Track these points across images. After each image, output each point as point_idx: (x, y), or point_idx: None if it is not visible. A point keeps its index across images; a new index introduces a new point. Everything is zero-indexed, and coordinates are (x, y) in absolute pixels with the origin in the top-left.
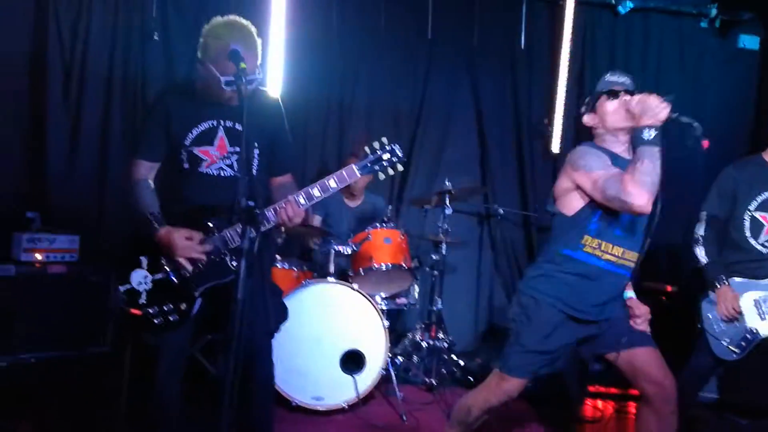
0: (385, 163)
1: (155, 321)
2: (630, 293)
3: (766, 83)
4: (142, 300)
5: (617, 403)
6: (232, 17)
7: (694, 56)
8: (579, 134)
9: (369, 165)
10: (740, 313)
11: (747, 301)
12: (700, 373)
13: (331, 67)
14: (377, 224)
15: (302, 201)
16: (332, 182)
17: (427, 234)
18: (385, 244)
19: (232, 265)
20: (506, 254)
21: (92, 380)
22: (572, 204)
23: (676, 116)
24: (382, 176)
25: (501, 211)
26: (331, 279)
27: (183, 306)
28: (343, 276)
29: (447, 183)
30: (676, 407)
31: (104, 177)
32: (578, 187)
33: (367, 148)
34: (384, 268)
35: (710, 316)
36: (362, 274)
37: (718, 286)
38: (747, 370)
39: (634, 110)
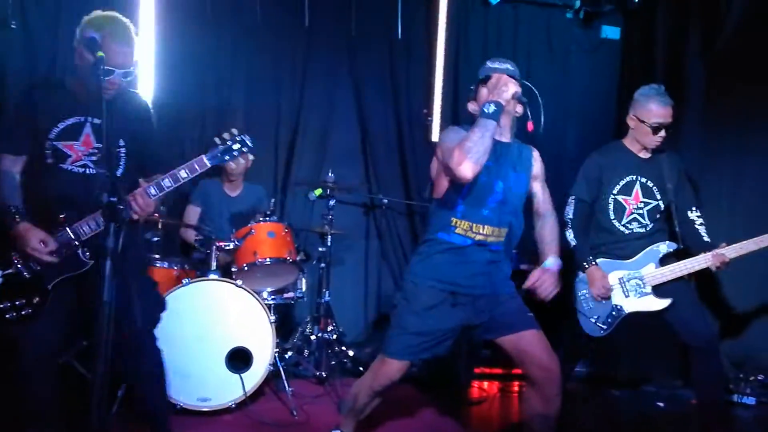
0: (235, 153)
1: (7, 316)
2: (549, 261)
3: (627, 71)
4: None
5: (502, 383)
6: (112, 12)
7: (562, 46)
8: (458, 122)
9: (219, 155)
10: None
11: (612, 280)
12: (575, 350)
13: (207, 61)
14: (260, 218)
15: (153, 191)
16: (183, 173)
17: (313, 226)
18: (268, 237)
19: (84, 257)
20: (392, 243)
21: None
22: (441, 187)
23: (518, 96)
24: (232, 165)
25: (385, 200)
26: (213, 276)
27: (36, 299)
28: (226, 272)
29: (330, 175)
30: (561, 389)
31: None
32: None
33: (217, 139)
34: (268, 262)
35: (580, 296)
36: (246, 269)
37: (587, 266)
38: (617, 345)
39: (488, 89)
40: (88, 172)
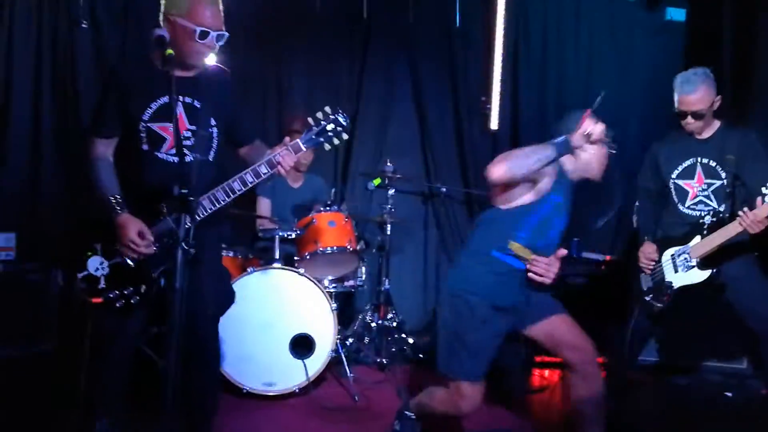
0: (330, 133)
1: (117, 305)
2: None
3: (693, 53)
4: (101, 285)
5: (563, 371)
6: None
7: (624, 30)
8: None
9: (314, 137)
10: (662, 268)
11: (666, 257)
12: (639, 336)
13: (267, 52)
14: (321, 208)
15: (288, 150)
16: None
17: (372, 215)
18: (329, 227)
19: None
20: (451, 232)
21: (41, 378)
22: (510, 196)
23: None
24: (327, 147)
25: (443, 189)
26: (276, 265)
27: (143, 288)
28: (289, 261)
29: (389, 165)
30: (598, 366)
31: (37, 170)
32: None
33: (311, 120)
34: (329, 251)
35: (641, 277)
36: (308, 258)
37: (641, 243)
38: (684, 332)
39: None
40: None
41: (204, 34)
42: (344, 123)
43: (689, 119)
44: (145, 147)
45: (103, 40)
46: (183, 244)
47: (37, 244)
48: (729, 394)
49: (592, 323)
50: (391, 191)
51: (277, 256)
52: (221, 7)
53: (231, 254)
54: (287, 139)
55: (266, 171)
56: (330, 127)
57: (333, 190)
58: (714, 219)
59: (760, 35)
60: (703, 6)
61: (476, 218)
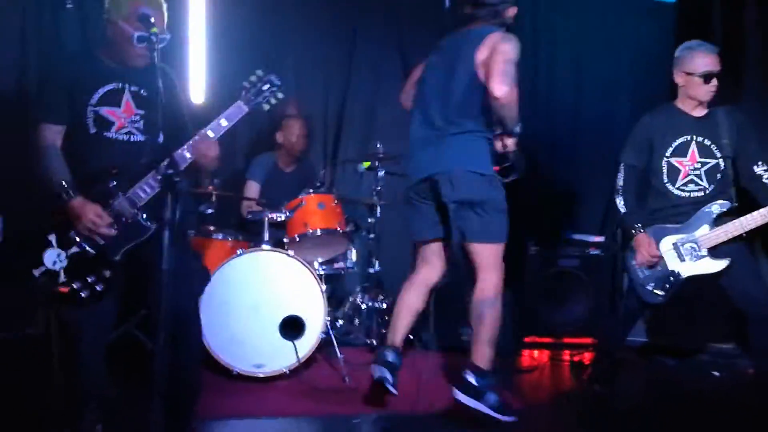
0: (266, 94)
1: (82, 294)
2: None
3: (683, 35)
4: (62, 279)
5: (552, 351)
6: None
7: (614, 10)
8: None
9: (252, 98)
10: (661, 257)
11: (667, 245)
12: (627, 317)
13: (255, 33)
14: (310, 190)
15: (210, 134)
16: (223, 121)
17: (362, 197)
18: (318, 209)
19: (145, 223)
20: None
21: (28, 363)
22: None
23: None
24: (266, 107)
25: None
26: (266, 247)
27: (107, 273)
28: (278, 243)
29: (378, 146)
30: None
31: (26, 153)
32: None
33: (245, 83)
34: (319, 233)
35: (634, 263)
36: (297, 240)
37: (634, 233)
38: (672, 313)
39: None
40: (133, 139)
41: (142, 39)
42: (277, 82)
43: (714, 81)
44: (92, 130)
45: (90, 21)
46: (169, 225)
47: (27, 229)
48: (717, 374)
49: (581, 305)
50: (381, 173)
51: (266, 238)
52: (164, 9)
53: (220, 237)
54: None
55: (189, 157)
56: (266, 87)
57: (323, 172)
58: (723, 209)
59: (748, 16)
60: None
61: None
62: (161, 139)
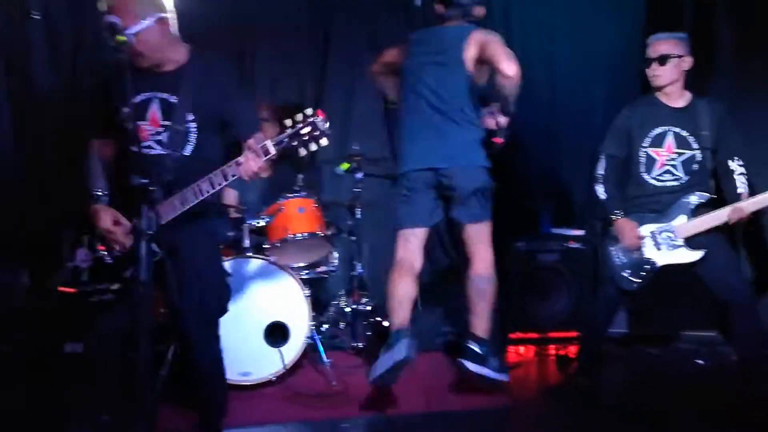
0: (305, 137)
1: (92, 299)
2: None
3: (653, 26)
4: (84, 278)
5: (538, 347)
6: None
7: (585, 4)
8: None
9: (287, 140)
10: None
11: (644, 233)
12: (606, 306)
13: (228, 31)
14: (288, 194)
15: (270, 148)
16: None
17: (341, 200)
18: (298, 213)
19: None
20: None
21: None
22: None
23: None
24: (303, 152)
25: None
26: (247, 254)
27: (115, 287)
28: (259, 250)
29: (355, 147)
30: None
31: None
32: None
33: (287, 122)
34: (300, 237)
35: (612, 249)
36: (279, 245)
37: (614, 218)
38: (652, 302)
39: None
40: (152, 152)
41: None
42: (322, 128)
43: (654, 66)
44: (123, 144)
45: (57, 31)
46: (144, 237)
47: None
48: (701, 362)
49: (564, 299)
50: (359, 175)
51: (247, 244)
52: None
53: None
54: (251, 142)
55: (235, 173)
56: (306, 130)
57: (301, 176)
58: (701, 201)
59: (719, 9)
60: None
61: None
62: (188, 151)
